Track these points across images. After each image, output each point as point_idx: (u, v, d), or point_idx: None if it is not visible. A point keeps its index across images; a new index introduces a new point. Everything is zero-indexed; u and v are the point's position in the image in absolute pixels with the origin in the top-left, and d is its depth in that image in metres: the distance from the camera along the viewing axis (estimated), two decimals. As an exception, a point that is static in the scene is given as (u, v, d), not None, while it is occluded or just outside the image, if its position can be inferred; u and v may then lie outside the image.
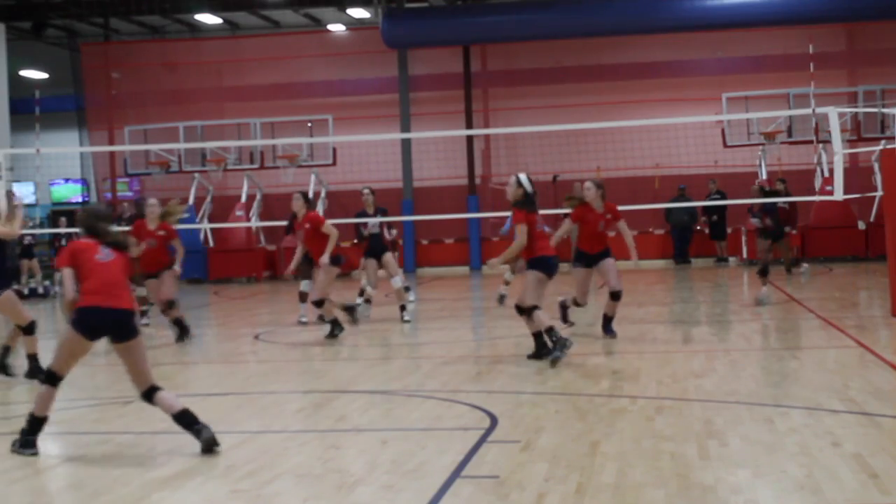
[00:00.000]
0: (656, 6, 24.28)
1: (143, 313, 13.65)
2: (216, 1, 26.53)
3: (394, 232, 16.20)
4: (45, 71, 29.55)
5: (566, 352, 9.29)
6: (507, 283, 15.24)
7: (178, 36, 29.58)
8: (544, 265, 9.61)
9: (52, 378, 6.53)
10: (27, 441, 6.46)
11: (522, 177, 9.75)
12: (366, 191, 14.18)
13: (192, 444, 6.64)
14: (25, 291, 21.90)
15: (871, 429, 6.34)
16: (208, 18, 27.97)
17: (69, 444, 6.91)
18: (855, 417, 6.64)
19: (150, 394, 6.46)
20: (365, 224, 13.98)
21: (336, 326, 12.01)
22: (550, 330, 9.42)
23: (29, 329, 9.47)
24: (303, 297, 13.77)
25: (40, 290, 21.65)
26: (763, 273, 14.17)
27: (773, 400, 7.40)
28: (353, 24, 28.15)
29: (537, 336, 9.63)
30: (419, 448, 6.21)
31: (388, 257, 13.99)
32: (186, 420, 6.40)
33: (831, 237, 23.38)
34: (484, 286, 21.39)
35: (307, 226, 12.23)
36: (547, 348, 9.51)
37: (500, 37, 25.67)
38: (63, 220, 23.17)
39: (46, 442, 7.09)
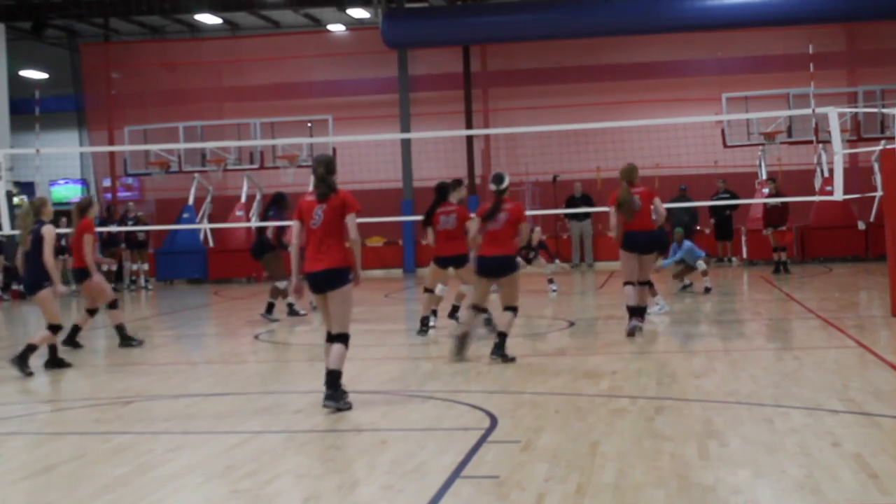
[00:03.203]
0: (656, 6, 24.26)
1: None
2: (216, 1, 26.51)
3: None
4: (45, 71, 29.52)
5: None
6: (704, 273, 15.91)
7: (178, 36, 29.57)
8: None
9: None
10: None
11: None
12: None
13: (191, 443, 6.64)
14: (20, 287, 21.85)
15: (871, 429, 6.34)
16: (208, 18, 27.94)
17: (69, 444, 6.90)
18: (855, 417, 6.63)
19: (330, 338, 7.49)
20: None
21: None
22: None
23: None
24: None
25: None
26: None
27: (773, 400, 7.39)
28: (353, 24, 28.14)
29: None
30: (419, 448, 6.20)
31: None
32: (330, 379, 7.33)
33: (831, 237, 23.35)
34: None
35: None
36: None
37: (500, 37, 25.66)
38: (63, 220, 23.06)
39: (46, 441, 7.09)
